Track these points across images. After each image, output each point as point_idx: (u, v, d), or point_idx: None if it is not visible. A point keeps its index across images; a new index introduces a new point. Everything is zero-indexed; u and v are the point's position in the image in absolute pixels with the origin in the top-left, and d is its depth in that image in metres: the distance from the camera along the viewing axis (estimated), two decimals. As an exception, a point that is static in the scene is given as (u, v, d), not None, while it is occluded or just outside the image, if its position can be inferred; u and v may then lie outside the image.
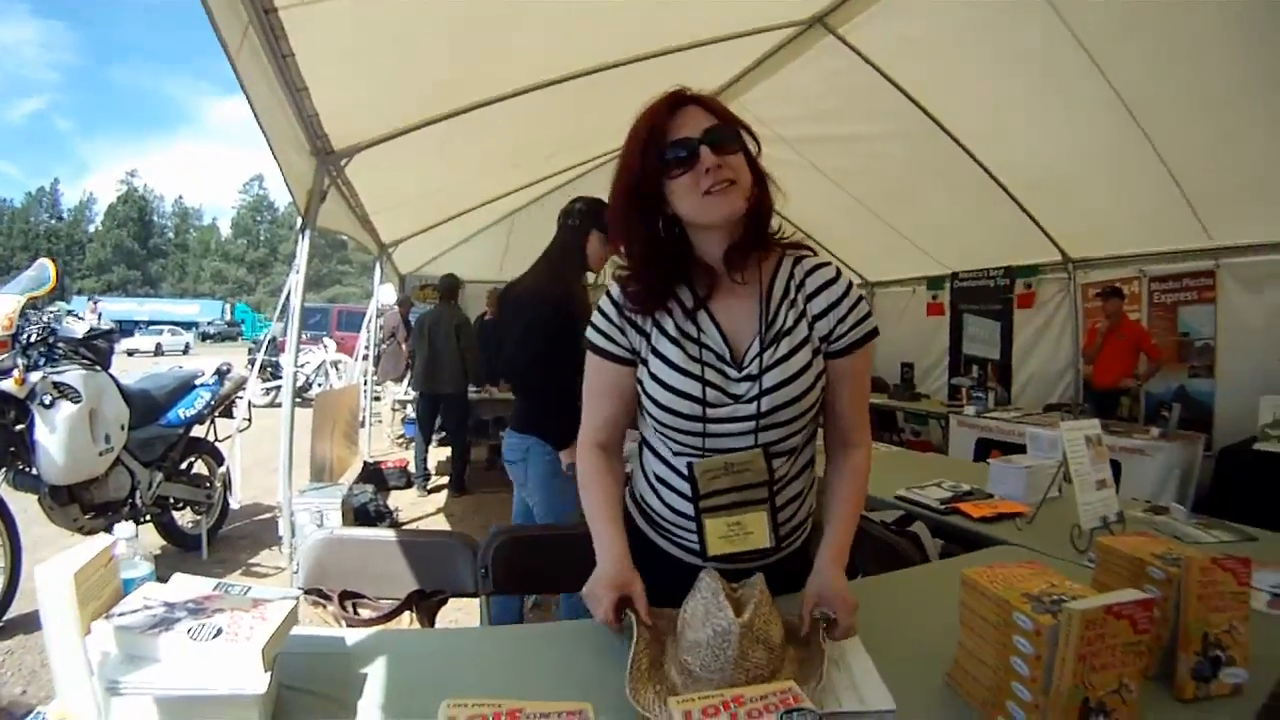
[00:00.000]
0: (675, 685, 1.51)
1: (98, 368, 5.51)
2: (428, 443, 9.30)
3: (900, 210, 10.51)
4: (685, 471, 1.91)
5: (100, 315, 6.09)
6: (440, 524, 7.84)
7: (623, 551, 1.84)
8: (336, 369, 17.02)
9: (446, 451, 9.97)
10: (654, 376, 1.87)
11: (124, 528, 1.63)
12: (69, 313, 6.00)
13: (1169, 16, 5.62)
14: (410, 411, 11.19)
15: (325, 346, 18.27)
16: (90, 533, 5.42)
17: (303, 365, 16.67)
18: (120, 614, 1.35)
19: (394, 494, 8.86)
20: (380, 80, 5.49)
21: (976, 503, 3.52)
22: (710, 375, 1.83)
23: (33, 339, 5.09)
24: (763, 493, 1.88)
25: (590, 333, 1.96)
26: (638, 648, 1.58)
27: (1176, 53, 5.90)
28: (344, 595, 2.55)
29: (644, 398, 1.92)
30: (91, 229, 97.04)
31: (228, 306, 70.97)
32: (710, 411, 1.83)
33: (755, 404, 1.81)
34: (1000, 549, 2.85)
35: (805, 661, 1.58)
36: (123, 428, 5.60)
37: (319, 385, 16.21)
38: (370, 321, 11.91)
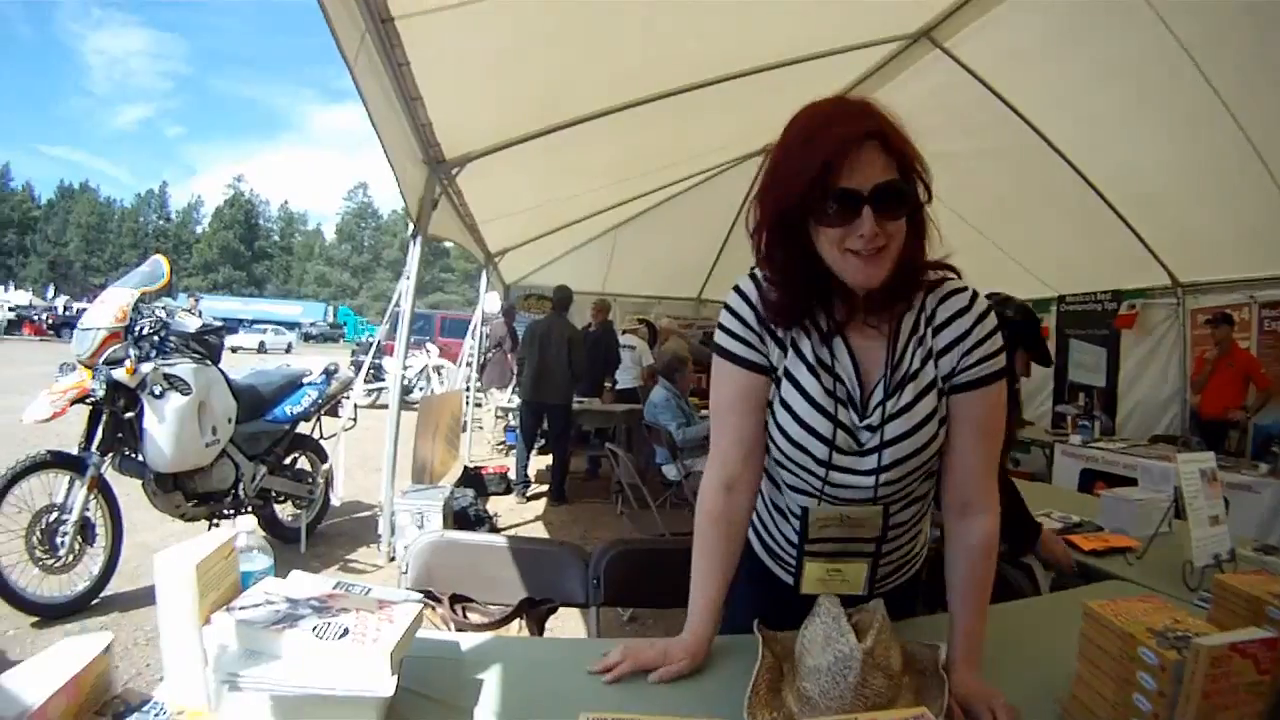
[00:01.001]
0: (792, 712, 1.50)
1: (208, 362, 5.65)
2: (529, 450, 9.36)
3: (1004, 229, 10.30)
4: (798, 512, 1.84)
5: (200, 314, 6.20)
6: (539, 531, 7.90)
7: (713, 632, 1.76)
8: (439, 374, 17.22)
9: (546, 460, 10.03)
10: (785, 404, 1.74)
11: (246, 520, 1.68)
12: (183, 308, 6.15)
13: (1272, 27, 5.47)
14: (512, 419, 11.29)
15: (428, 352, 18.47)
16: (192, 520, 5.70)
17: (406, 369, 16.81)
18: (242, 607, 1.38)
19: (493, 500, 8.90)
20: (491, 90, 5.60)
21: (1086, 535, 3.45)
22: (841, 415, 1.71)
23: (145, 331, 5.23)
24: (871, 546, 1.81)
25: (722, 337, 1.77)
26: (759, 671, 1.56)
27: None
28: (454, 599, 2.54)
29: (770, 423, 1.77)
30: (199, 230, 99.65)
31: (330, 309, 72.03)
32: (836, 457, 1.72)
33: (877, 456, 1.71)
34: (1112, 584, 2.80)
35: (922, 690, 1.57)
36: (230, 421, 5.75)
37: (421, 389, 16.41)
38: (475, 329, 12.06)
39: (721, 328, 1.77)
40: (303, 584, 1.53)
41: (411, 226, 6.07)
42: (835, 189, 1.50)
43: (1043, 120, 7.68)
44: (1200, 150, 7.10)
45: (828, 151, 1.50)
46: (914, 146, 1.59)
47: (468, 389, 12.11)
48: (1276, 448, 7.00)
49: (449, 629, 2.44)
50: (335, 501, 7.20)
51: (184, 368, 5.35)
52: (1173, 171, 7.64)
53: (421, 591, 2.47)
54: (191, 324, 5.67)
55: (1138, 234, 8.88)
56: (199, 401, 5.37)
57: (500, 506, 8.60)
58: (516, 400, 9.95)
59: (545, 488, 9.42)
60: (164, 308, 5.66)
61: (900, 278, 1.63)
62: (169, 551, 1.38)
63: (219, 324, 6.12)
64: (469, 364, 12.47)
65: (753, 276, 1.76)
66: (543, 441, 9.95)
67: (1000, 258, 10.80)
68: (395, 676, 1.32)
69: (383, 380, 14.76)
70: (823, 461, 1.73)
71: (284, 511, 6.71)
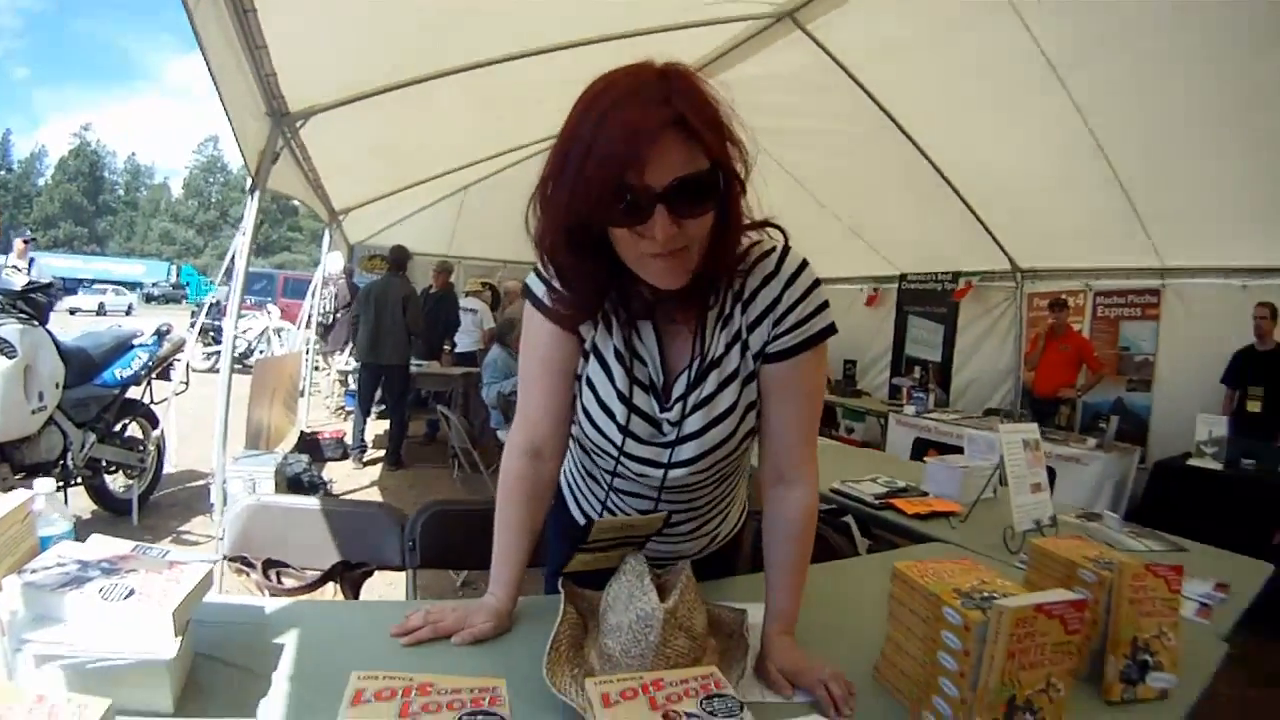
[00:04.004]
0: (593, 669, 1.47)
1: (35, 322, 5.40)
2: (366, 414, 9.23)
3: (854, 209, 10.63)
4: (590, 513, 1.90)
5: (32, 261, 5.94)
6: (374, 497, 7.78)
7: (516, 594, 1.72)
8: (279, 336, 16.80)
9: (385, 425, 9.89)
10: (589, 381, 1.68)
11: (44, 483, 1.58)
12: (10, 265, 5.87)
13: (1131, 37, 5.73)
14: (352, 382, 11.11)
15: (269, 313, 18.07)
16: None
17: (245, 331, 16.54)
18: (32, 570, 1.30)
19: (330, 465, 8.76)
20: (341, 42, 5.44)
21: (911, 499, 3.52)
22: (639, 400, 1.66)
23: (-35, 290, 4.96)
24: (642, 540, 1.72)
25: (536, 284, 1.65)
26: (560, 628, 1.53)
27: (1138, 73, 6.05)
28: (268, 564, 2.52)
29: (576, 398, 1.73)
30: (41, 182, 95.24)
31: (174, 268, 69.88)
32: (629, 444, 1.68)
33: (670, 451, 1.67)
34: (932, 546, 2.87)
35: (727, 653, 1.56)
36: (57, 386, 5.48)
37: (261, 352, 15.97)
38: (315, 290, 11.80)
39: (537, 275, 1.65)
40: (99, 547, 1.45)
41: (250, 180, 5.87)
42: (625, 187, 1.32)
43: (899, 108, 7.86)
44: (1048, 145, 7.40)
45: (618, 144, 1.30)
46: (728, 126, 1.42)
47: (307, 352, 11.83)
48: (1103, 423, 7.43)
49: (263, 594, 2.38)
50: (169, 470, 6.99)
51: (9, 329, 5.10)
52: (1021, 165, 7.96)
53: (237, 558, 2.44)
54: (18, 281, 5.46)
55: (981, 220, 9.19)
56: (25, 365, 5.11)
57: (337, 472, 8.46)
58: (354, 363, 9.76)
59: (383, 452, 9.31)
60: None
61: (708, 270, 1.50)
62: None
63: (47, 281, 5.86)
64: (307, 325, 12.17)
65: (539, 274, 1.64)
66: (383, 406, 9.79)
67: (848, 237, 11.12)
68: (180, 638, 1.27)
69: (219, 342, 14.42)
70: (617, 446, 1.69)
71: (115, 482, 6.43)
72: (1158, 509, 6.44)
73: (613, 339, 1.64)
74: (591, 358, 1.67)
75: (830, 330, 1.62)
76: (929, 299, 11.46)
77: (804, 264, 1.62)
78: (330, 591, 2.59)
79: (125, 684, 1.22)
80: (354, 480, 8.34)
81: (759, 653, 1.60)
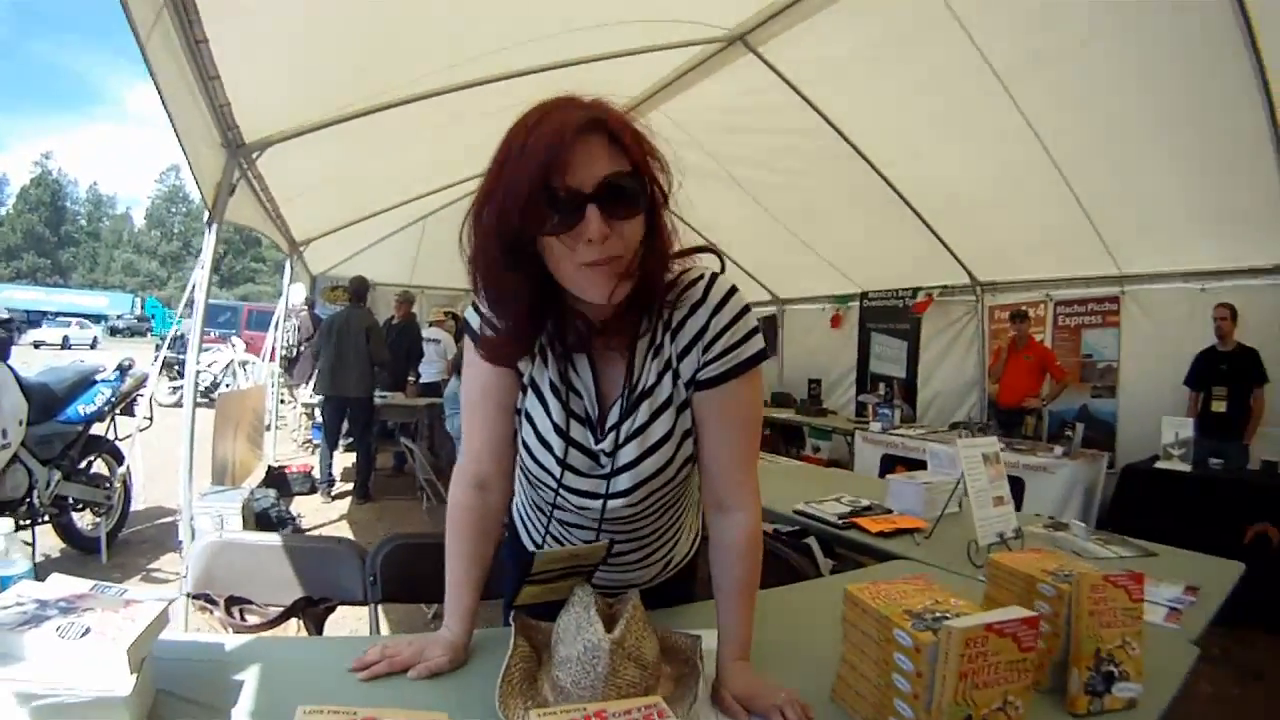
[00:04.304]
0: (547, 700, 1.48)
1: (-4, 359, 5.32)
2: (333, 447, 9.16)
3: (813, 229, 10.72)
4: (538, 543, 1.90)
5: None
6: (343, 531, 7.72)
7: (471, 627, 1.72)
8: (245, 369, 16.72)
9: (352, 457, 9.85)
10: (528, 415, 1.69)
11: (3, 522, 1.59)
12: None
13: (1076, 48, 5.86)
14: (318, 415, 11.03)
15: (234, 346, 17.95)
16: None
17: (210, 365, 16.55)
18: None
19: (298, 499, 8.70)
20: (295, 73, 5.43)
21: (875, 518, 3.50)
22: (576, 432, 1.66)
23: (-76, 328, 4.94)
24: (589, 569, 1.74)
25: (473, 317, 1.64)
26: (512, 660, 1.54)
27: (1084, 85, 6.20)
28: (231, 601, 2.52)
29: (518, 432, 1.74)
30: (2, 212, 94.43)
31: (138, 300, 69.31)
32: (568, 477, 1.68)
33: (607, 482, 1.67)
34: (896, 564, 2.86)
35: (681, 680, 1.57)
36: (20, 423, 5.43)
37: (227, 385, 15.89)
38: (278, 322, 11.74)
39: (477, 312, 1.63)
40: (58, 586, 1.46)
41: (208, 213, 5.84)
42: (555, 190, 1.33)
43: (851, 127, 7.96)
44: (1001, 159, 7.51)
45: (542, 152, 1.33)
46: (649, 143, 1.45)
47: (272, 385, 11.78)
48: (1069, 432, 7.44)
49: (227, 631, 2.37)
50: (136, 507, 6.95)
51: (-33, 365, 5.03)
52: (974, 179, 8.06)
53: (200, 595, 2.45)
54: (-26, 319, 5.39)
55: (939, 236, 9.30)
56: (-13, 402, 5.04)
57: (305, 506, 8.38)
58: (319, 396, 9.71)
59: (352, 485, 9.25)
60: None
61: (641, 288, 1.49)
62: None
63: (6, 317, 5.82)
64: (271, 358, 12.12)
65: (476, 308, 1.63)
66: (350, 439, 9.74)
67: (807, 257, 11.26)
68: (135, 675, 1.28)
69: (184, 376, 14.34)
70: (555, 479, 1.69)
71: (83, 520, 6.39)
72: (1128, 513, 6.50)
73: (548, 372, 1.65)
74: (529, 391, 1.68)
75: (761, 356, 1.63)
76: (891, 315, 11.55)
77: (731, 290, 1.62)
78: (294, 628, 2.59)
79: (78, 716, 1.25)
80: (323, 514, 8.28)
81: (714, 679, 1.59)
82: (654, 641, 1.55)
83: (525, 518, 1.98)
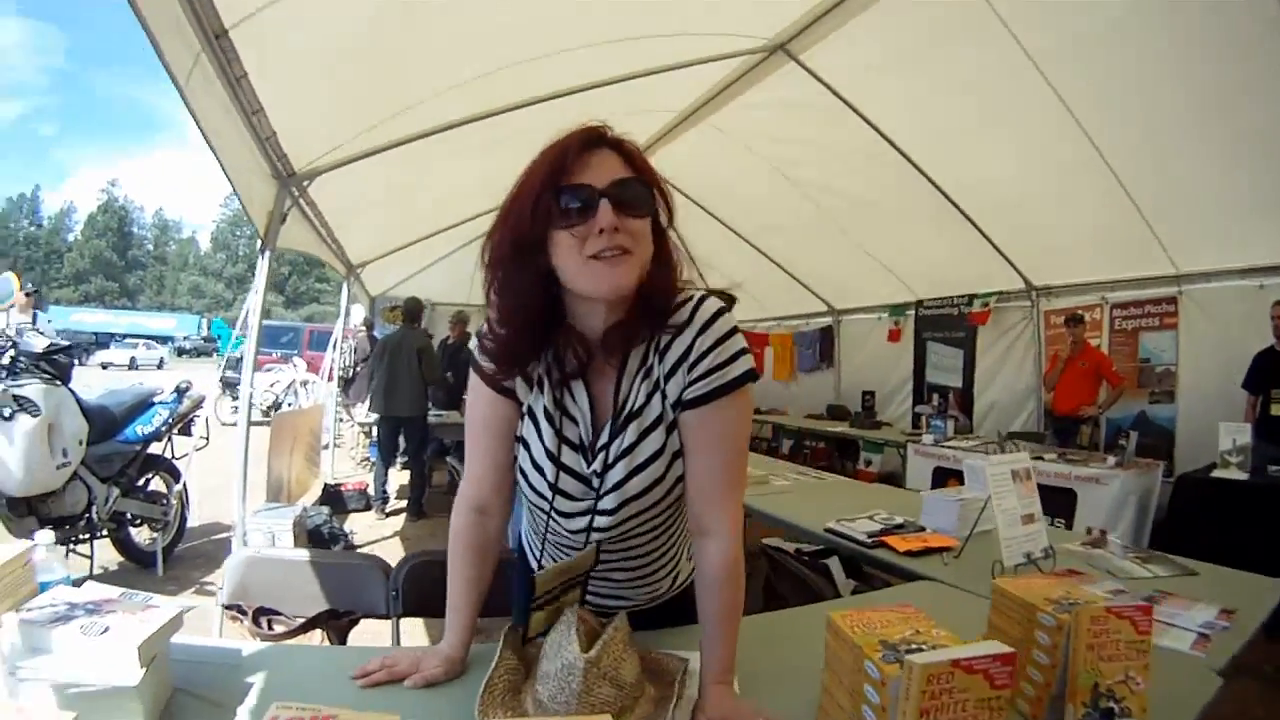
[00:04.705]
0: (527, 712, 1.54)
1: (58, 382, 5.52)
2: (388, 466, 9.26)
3: (865, 235, 10.64)
4: (532, 564, 2.00)
5: (35, 316, 6.08)
6: (395, 547, 7.77)
7: (468, 641, 1.81)
8: (306, 389, 16.93)
9: (409, 475, 9.89)
10: (524, 441, 1.76)
11: (44, 534, 1.79)
12: (33, 328, 6.01)
13: (1120, 38, 5.75)
14: (375, 434, 11.11)
15: (296, 366, 18.17)
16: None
17: (273, 385, 16.84)
18: (28, 609, 1.50)
19: (353, 517, 8.81)
20: (340, 99, 5.53)
21: (905, 536, 3.42)
22: (568, 458, 1.73)
23: (-9, 352, 5.12)
24: (582, 577, 1.80)
25: (477, 346, 1.73)
26: (495, 672, 1.61)
27: (1130, 76, 6.08)
28: (259, 611, 2.64)
29: (517, 458, 1.80)
30: (70, 238, 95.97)
31: (204, 321, 70.41)
32: (559, 500, 1.76)
33: (594, 502, 1.73)
34: (919, 585, 2.84)
35: (662, 701, 1.60)
36: (81, 443, 5.59)
37: (289, 405, 16.10)
38: (336, 342, 11.89)
39: (482, 346, 1.71)
40: (89, 592, 1.63)
41: (260, 241, 5.93)
42: (569, 185, 1.49)
43: (897, 131, 7.92)
44: (1049, 158, 7.40)
45: (561, 157, 1.50)
46: (657, 172, 1.59)
47: (331, 405, 11.93)
48: (1124, 441, 7.21)
49: (255, 640, 2.49)
50: (193, 522, 7.07)
51: (33, 388, 5.24)
52: (1023, 179, 7.95)
53: (232, 606, 2.62)
54: (39, 344, 5.56)
55: (990, 240, 9.19)
56: (49, 423, 5.25)
57: (359, 524, 8.49)
58: (374, 415, 9.81)
59: (406, 503, 9.31)
60: (19, 326, 5.55)
61: (640, 311, 1.60)
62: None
63: (67, 343, 5.97)
64: (330, 378, 12.26)
65: (480, 337, 1.73)
66: (406, 457, 9.81)
67: (862, 265, 11.21)
68: (145, 669, 1.45)
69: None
70: (549, 502, 1.76)
71: (140, 535, 6.53)
72: (1183, 525, 6.29)
73: (544, 399, 1.71)
74: (527, 419, 1.75)
75: (746, 378, 1.65)
76: (946, 324, 11.39)
77: (719, 312, 1.66)
78: (319, 639, 2.71)
79: (101, 707, 1.43)
80: (376, 531, 8.36)
81: (695, 701, 1.63)
82: (634, 663, 1.59)
83: (530, 544, 2.05)
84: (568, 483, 1.74)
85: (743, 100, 7.87)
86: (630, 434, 1.68)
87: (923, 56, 6.68)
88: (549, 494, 1.75)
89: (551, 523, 1.81)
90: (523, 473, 1.78)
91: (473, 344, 1.77)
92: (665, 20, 5.85)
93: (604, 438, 1.71)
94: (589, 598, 1.96)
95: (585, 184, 1.49)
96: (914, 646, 1.38)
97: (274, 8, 3.85)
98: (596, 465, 1.71)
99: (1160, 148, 6.69)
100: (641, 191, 1.54)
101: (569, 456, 1.73)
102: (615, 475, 1.69)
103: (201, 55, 3.82)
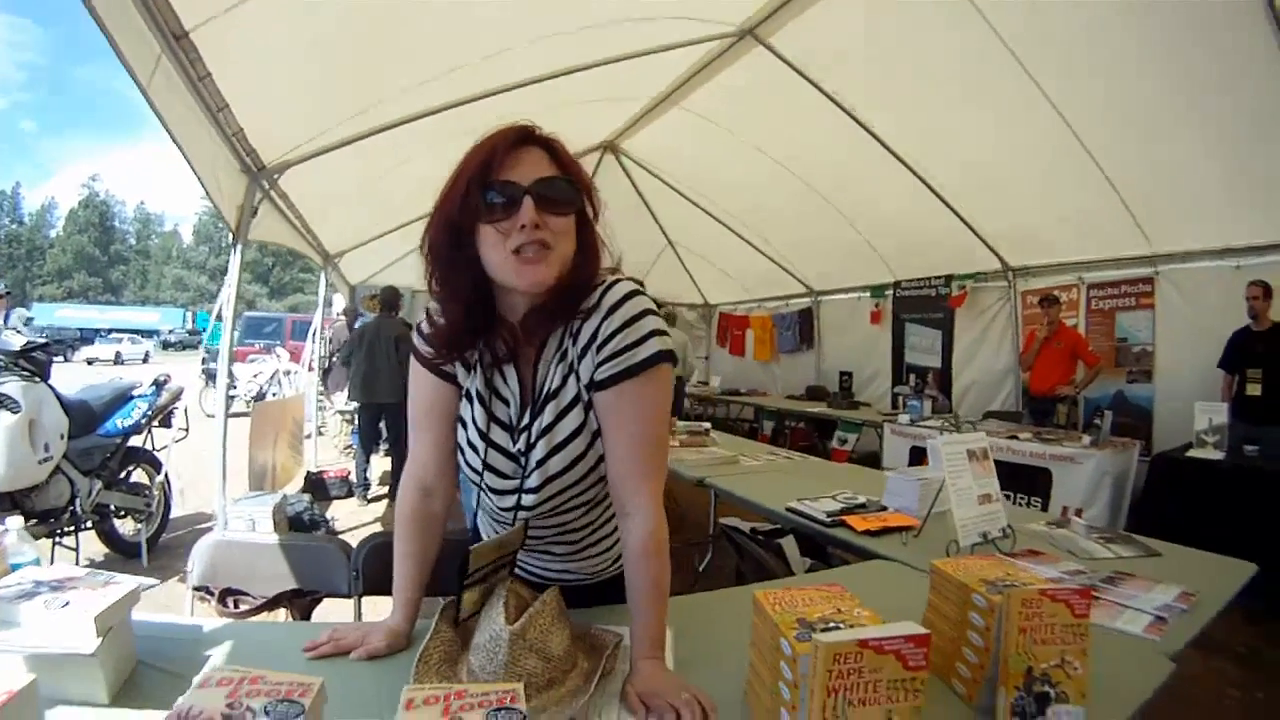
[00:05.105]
0: (462, 681, 1.57)
1: (37, 379, 5.55)
2: (369, 453, 9.30)
3: (844, 218, 10.65)
4: (469, 532, 2.15)
5: (8, 315, 6.13)
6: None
7: (412, 616, 1.86)
8: (289, 378, 16.93)
9: (390, 461, 9.95)
10: (461, 419, 1.85)
11: (13, 520, 1.92)
12: (10, 328, 6.04)
13: (1094, 21, 5.76)
14: (356, 421, 11.13)
15: (279, 356, 18.18)
16: (34, 539, 5.46)
17: (256, 375, 16.91)
18: None
19: (335, 503, 8.84)
20: (308, 93, 5.56)
21: (866, 515, 3.41)
22: (497, 436, 1.80)
23: (-33, 352, 5.16)
24: (512, 554, 1.85)
25: (421, 343, 1.79)
26: (431, 643, 1.65)
27: (1106, 58, 6.10)
28: (226, 591, 2.79)
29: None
30: (52, 234, 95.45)
31: (189, 315, 70.27)
32: (488, 477, 1.83)
33: (520, 480, 1.80)
34: (874, 564, 2.85)
35: (593, 674, 1.61)
36: (62, 437, 5.63)
37: (273, 395, 16.12)
38: (315, 332, 11.91)
39: (420, 333, 1.80)
40: (56, 571, 1.74)
41: (232, 235, 5.95)
42: (495, 182, 1.55)
43: (870, 115, 7.95)
44: (1025, 141, 7.45)
45: (487, 151, 1.57)
46: (584, 172, 1.68)
47: (313, 394, 11.96)
48: (1098, 420, 7.23)
49: (220, 619, 2.62)
50: (177, 512, 7.13)
51: (12, 386, 5.27)
52: (999, 162, 8.01)
53: (201, 587, 2.78)
54: (16, 342, 5.60)
55: (967, 222, 9.25)
56: (29, 419, 5.27)
57: (341, 510, 8.50)
58: (354, 403, 9.84)
59: (388, 489, 9.36)
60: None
61: (559, 298, 1.66)
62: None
63: (44, 340, 6.00)
64: (311, 368, 12.28)
65: (419, 327, 1.81)
66: (388, 445, 9.84)
67: (842, 244, 11.22)
68: (101, 638, 1.55)
69: (234, 388, 14.48)
70: (479, 475, 1.84)
71: (125, 526, 6.60)
72: (1158, 505, 6.35)
73: (477, 380, 1.80)
74: (465, 400, 1.84)
75: (657, 359, 1.68)
76: (924, 305, 11.46)
77: (628, 295, 1.71)
78: (283, 617, 2.83)
79: (65, 674, 1.54)
80: (357, 517, 8.37)
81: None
82: (563, 636, 1.63)
83: (481, 523, 2.11)
84: (497, 459, 1.81)
85: (715, 84, 7.92)
86: (548, 414, 1.74)
87: (896, 41, 6.71)
88: (481, 470, 1.82)
89: (484, 498, 1.89)
90: (461, 451, 1.86)
91: (414, 333, 1.85)
92: (634, 5, 5.88)
93: (525, 418, 1.78)
94: (536, 571, 2.06)
95: (511, 180, 1.55)
96: (830, 625, 1.40)
97: (237, 10, 3.87)
98: (520, 444, 1.78)
99: (1137, 129, 6.73)
100: (566, 189, 1.61)
101: (499, 435, 1.81)
102: (537, 454, 1.76)
103: (162, 57, 3.84)
